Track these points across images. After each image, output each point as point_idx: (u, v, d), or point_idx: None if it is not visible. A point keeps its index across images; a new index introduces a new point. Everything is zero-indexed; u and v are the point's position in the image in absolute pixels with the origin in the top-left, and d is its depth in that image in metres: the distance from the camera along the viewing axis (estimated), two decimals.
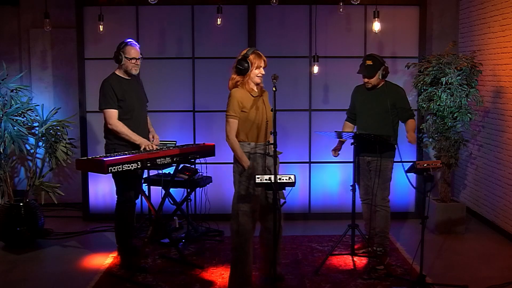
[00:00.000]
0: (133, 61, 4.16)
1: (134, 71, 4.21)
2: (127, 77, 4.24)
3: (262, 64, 3.75)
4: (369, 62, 4.34)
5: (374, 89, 4.42)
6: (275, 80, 3.53)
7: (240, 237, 3.71)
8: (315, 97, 5.77)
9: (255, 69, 3.72)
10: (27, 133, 4.93)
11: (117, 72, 4.23)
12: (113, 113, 4.11)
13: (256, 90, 3.77)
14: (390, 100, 4.32)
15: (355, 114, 4.59)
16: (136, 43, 4.22)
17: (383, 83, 4.42)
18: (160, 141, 4.52)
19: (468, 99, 5.09)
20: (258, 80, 3.75)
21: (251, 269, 3.80)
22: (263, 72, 3.76)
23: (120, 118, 4.14)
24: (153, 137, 4.39)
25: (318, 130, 5.54)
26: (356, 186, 4.47)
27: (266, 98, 3.88)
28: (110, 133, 4.16)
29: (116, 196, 4.29)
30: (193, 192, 5.20)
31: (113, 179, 4.26)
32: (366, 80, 4.40)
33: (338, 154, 4.65)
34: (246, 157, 3.69)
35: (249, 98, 3.74)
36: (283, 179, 3.39)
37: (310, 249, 4.81)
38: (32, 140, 5.19)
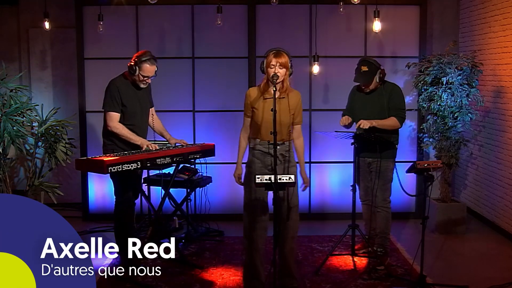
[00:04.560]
0: (146, 78, 4.12)
1: (142, 85, 4.16)
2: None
3: (273, 63, 3.62)
4: (364, 68, 4.28)
5: (372, 91, 4.40)
6: (274, 80, 3.53)
7: (246, 228, 3.79)
8: (315, 97, 5.76)
9: (268, 68, 3.65)
10: (26, 133, 4.92)
11: (127, 76, 4.16)
12: (114, 116, 4.08)
13: (272, 91, 3.51)
14: (387, 99, 4.31)
15: (351, 113, 4.55)
16: (155, 60, 4.11)
17: (381, 83, 4.40)
18: (160, 141, 4.51)
19: (469, 99, 5.08)
20: (273, 80, 3.55)
21: (259, 263, 3.80)
22: (277, 72, 3.60)
23: (121, 123, 4.12)
24: (174, 144, 4.37)
25: (318, 130, 5.53)
26: (357, 186, 4.46)
27: (293, 100, 3.75)
28: (109, 134, 4.14)
29: (115, 197, 4.27)
30: (193, 192, 5.19)
31: (111, 180, 4.24)
32: (364, 86, 4.38)
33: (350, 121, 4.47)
34: (246, 153, 3.82)
35: (260, 99, 3.71)
36: (283, 179, 3.38)
37: (310, 249, 4.80)
38: (31, 140, 5.18)
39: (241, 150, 3.87)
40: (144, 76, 4.09)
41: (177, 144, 4.39)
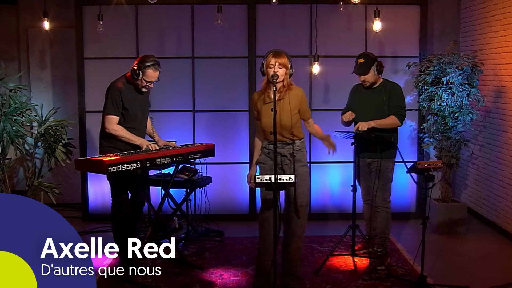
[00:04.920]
0: (149, 84, 4.09)
1: (144, 90, 4.15)
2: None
3: (273, 62, 3.59)
4: (361, 60, 4.34)
5: (372, 88, 4.40)
6: (274, 80, 3.52)
7: (261, 227, 3.78)
8: (316, 97, 5.75)
9: (268, 68, 3.62)
10: (26, 133, 4.91)
11: (129, 78, 4.12)
12: (114, 120, 4.06)
13: (271, 93, 3.47)
14: (386, 98, 4.30)
15: (351, 111, 4.53)
16: (159, 65, 4.08)
17: (381, 81, 4.40)
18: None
19: (469, 99, 5.08)
20: (273, 80, 3.52)
21: (263, 262, 3.77)
22: (276, 71, 3.57)
23: (121, 125, 4.10)
24: (163, 145, 4.35)
25: None
26: (357, 186, 4.45)
27: (293, 99, 3.68)
28: (107, 135, 4.13)
29: (111, 198, 4.25)
30: (193, 192, 5.18)
31: (108, 181, 4.21)
32: (362, 78, 4.38)
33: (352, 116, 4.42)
34: (260, 154, 3.84)
35: (261, 102, 3.71)
36: (283, 179, 3.37)
37: (311, 249, 4.79)
38: (31, 140, 5.17)
39: (254, 152, 3.88)
40: (147, 82, 4.07)
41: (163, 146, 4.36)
